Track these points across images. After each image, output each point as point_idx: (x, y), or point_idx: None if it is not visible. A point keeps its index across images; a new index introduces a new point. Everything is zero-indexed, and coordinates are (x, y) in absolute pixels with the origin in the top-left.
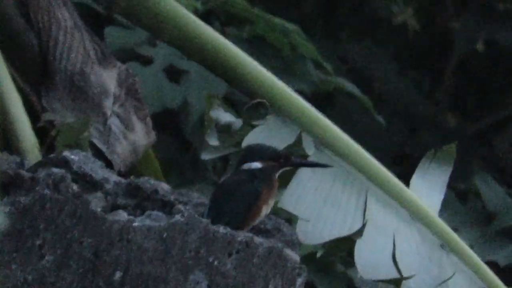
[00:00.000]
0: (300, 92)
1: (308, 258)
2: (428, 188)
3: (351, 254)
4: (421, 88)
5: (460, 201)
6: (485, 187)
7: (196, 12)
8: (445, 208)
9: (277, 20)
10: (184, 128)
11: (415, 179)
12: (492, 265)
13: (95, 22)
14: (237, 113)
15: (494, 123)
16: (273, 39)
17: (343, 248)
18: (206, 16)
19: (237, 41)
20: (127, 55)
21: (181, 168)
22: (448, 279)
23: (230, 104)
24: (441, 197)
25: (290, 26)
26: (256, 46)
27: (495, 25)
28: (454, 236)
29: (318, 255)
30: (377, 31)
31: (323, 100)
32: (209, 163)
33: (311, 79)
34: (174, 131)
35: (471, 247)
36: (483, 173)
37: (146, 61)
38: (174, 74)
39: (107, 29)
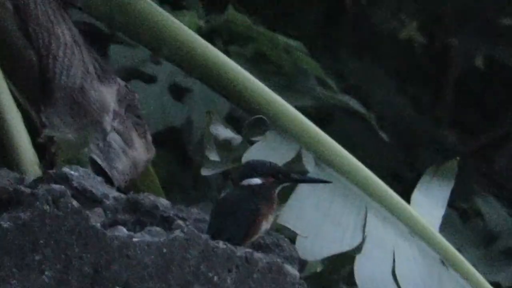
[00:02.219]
0: (302, 109)
1: (311, 278)
2: (429, 204)
3: (353, 273)
4: (421, 105)
5: (461, 220)
6: (487, 207)
7: (199, 31)
8: (446, 227)
9: (279, 37)
10: (187, 147)
11: (416, 195)
12: (494, 286)
13: (99, 41)
14: (239, 130)
15: (494, 139)
16: (275, 57)
17: (345, 264)
18: (209, 35)
19: (239, 59)
20: (131, 73)
21: (183, 187)
22: None
23: (233, 121)
24: (442, 212)
25: (293, 42)
26: (259, 64)
27: (494, 41)
28: (455, 252)
29: (318, 270)
30: (378, 47)
31: (324, 118)
32: (213, 182)
33: (314, 95)
34: (177, 149)
35: (473, 267)
36: (485, 193)
37: (150, 79)
38: (177, 93)
39: (111, 47)
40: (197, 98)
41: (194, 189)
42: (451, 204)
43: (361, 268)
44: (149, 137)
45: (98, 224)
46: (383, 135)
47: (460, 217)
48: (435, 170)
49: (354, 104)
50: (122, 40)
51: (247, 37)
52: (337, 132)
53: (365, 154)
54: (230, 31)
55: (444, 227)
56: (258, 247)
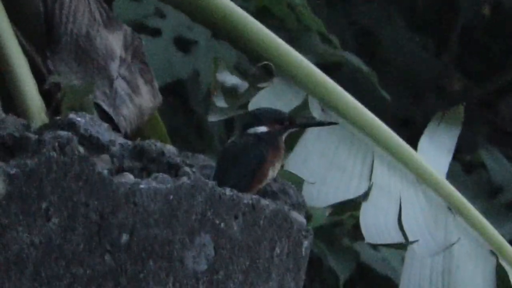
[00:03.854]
0: None
1: (314, 232)
2: (436, 151)
3: (357, 227)
4: (427, 52)
5: (465, 172)
6: (491, 160)
7: None
8: (450, 180)
9: None
10: (192, 98)
11: (422, 142)
12: None
13: None
14: (244, 78)
15: (500, 87)
16: (279, 12)
17: (348, 211)
18: None
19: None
20: (135, 27)
21: (186, 139)
22: (454, 243)
23: (239, 73)
24: (449, 159)
25: None
26: (262, 18)
27: None
28: (462, 199)
29: (327, 214)
30: None
31: (329, 69)
32: (215, 132)
33: (317, 52)
34: (181, 101)
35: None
36: (489, 145)
37: (155, 33)
38: (183, 45)
39: (115, 2)
40: (203, 50)
41: (197, 141)
42: (454, 156)
43: (367, 216)
44: (155, 84)
45: (105, 171)
46: (385, 93)
47: (464, 169)
48: (442, 116)
49: (356, 61)
50: None
51: None
52: (343, 78)
53: (372, 100)
54: None
55: (447, 179)
56: (264, 194)
